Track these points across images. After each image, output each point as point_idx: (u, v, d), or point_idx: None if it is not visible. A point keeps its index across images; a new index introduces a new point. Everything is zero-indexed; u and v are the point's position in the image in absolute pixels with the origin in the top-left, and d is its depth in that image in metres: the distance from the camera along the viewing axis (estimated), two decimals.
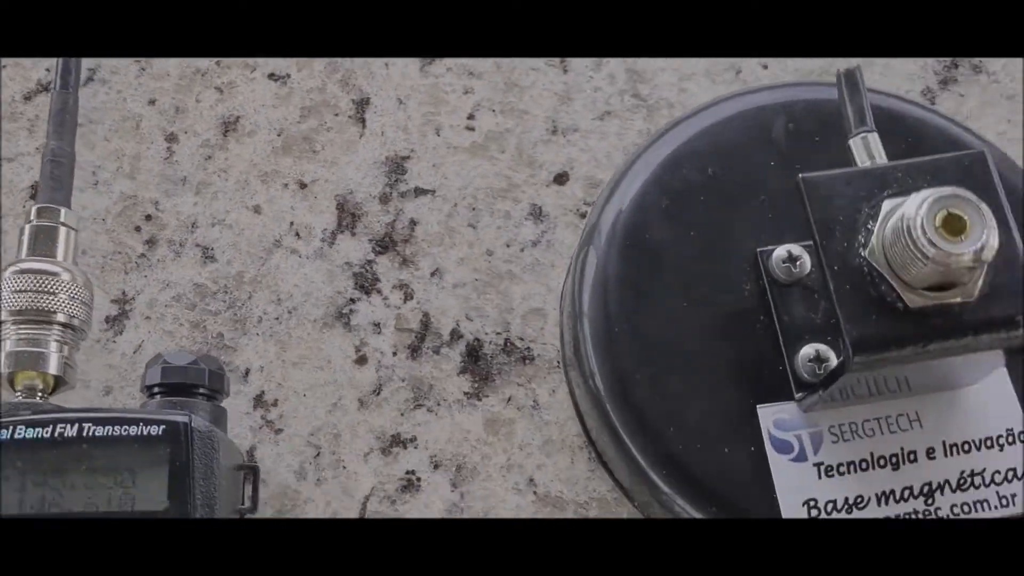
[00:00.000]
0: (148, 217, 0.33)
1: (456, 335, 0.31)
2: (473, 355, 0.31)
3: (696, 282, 0.29)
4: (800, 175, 0.24)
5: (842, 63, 0.28)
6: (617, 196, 0.30)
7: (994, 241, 0.22)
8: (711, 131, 0.30)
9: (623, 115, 0.34)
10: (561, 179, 0.33)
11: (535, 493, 0.30)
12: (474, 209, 0.33)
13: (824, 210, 0.24)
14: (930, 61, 0.35)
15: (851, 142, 0.27)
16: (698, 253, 0.29)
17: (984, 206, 0.22)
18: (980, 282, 0.23)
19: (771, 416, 0.27)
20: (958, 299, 0.23)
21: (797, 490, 0.27)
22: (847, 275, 0.24)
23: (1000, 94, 0.34)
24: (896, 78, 0.34)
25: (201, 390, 0.27)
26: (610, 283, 0.29)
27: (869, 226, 0.24)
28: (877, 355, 0.23)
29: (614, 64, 0.34)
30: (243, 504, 0.27)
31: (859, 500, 0.27)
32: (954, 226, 0.22)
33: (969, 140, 0.30)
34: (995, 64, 0.35)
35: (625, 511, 0.29)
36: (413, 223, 0.33)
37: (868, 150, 0.26)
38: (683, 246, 0.29)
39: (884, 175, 0.24)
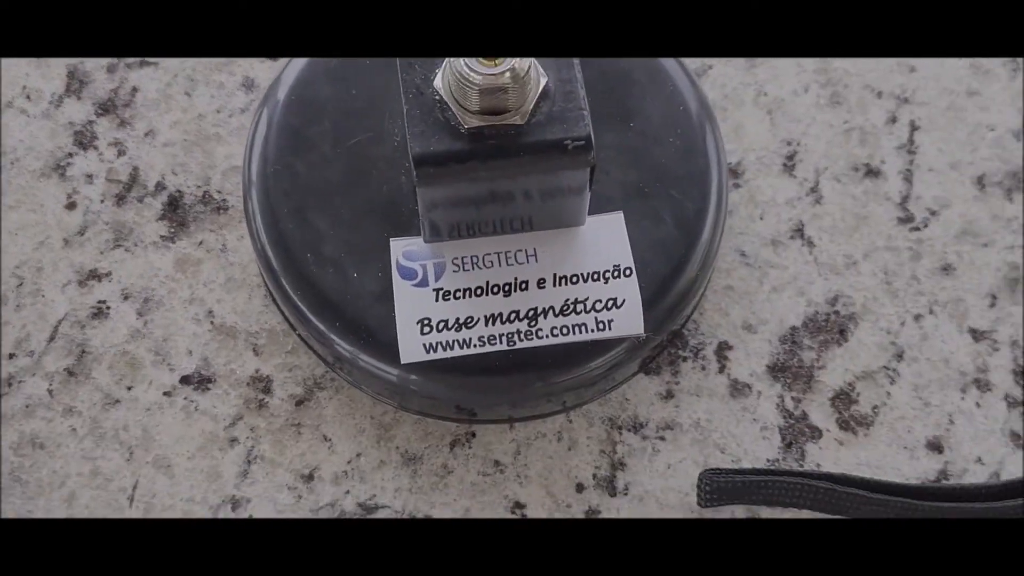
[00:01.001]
0: None
1: (160, 187, 0.35)
2: (173, 204, 0.35)
3: (352, 133, 0.32)
4: None
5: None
6: (295, 61, 0.33)
7: (522, 64, 0.26)
8: None
9: None
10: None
11: (212, 323, 0.33)
12: (192, 80, 0.36)
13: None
14: None
15: None
16: (358, 108, 0.32)
17: None
18: (532, 108, 0.27)
19: (401, 248, 0.31)
20: (514, 121, 0.27)
21: (415, 310, 0.30)
22: (419, 103, 0.27)
23: None
24: None
25: None
26: (273, 131, 0.32)
27: (441, 61, 0.27)
28: (438, 168, 0.27)
29: None
30: None
31: (469, 320, 0.30)
32: None
33: None
34: None
35: (291, 341, 0.33)
36: (135, 90, 0.36)
37: None
38: (344, 102, 0.32)
39: None
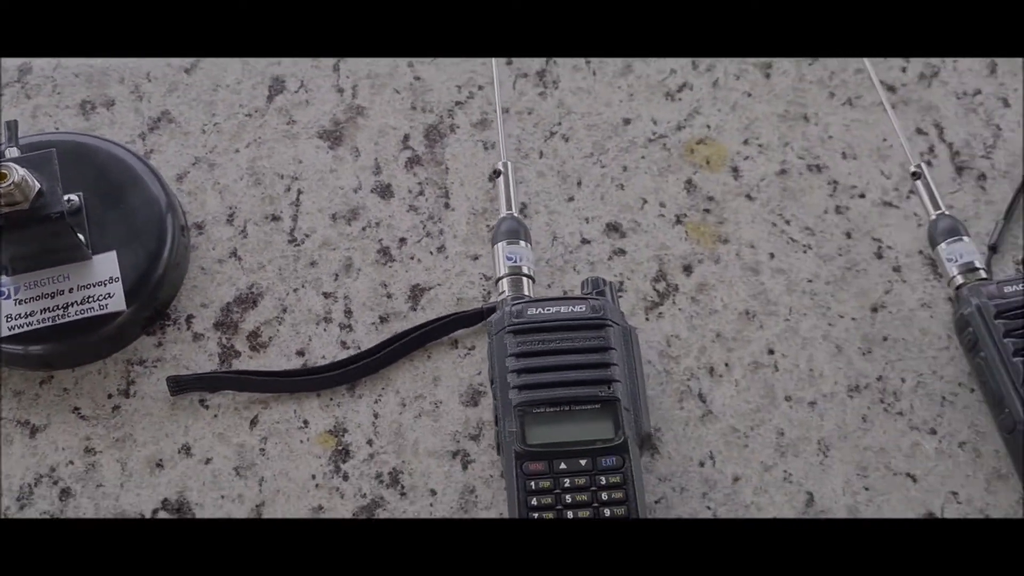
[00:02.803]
0: None
1: None
2: None
3: None
4: None
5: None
6: None
7: (21, 178, 0.54)
8: None
9: None
10: None
11: None
12: None
13: None
14: None
15: None
16: None
17: (12, 165, 0.54)
18: (33, 198, 0.55)
19: None
20: (23, 208, 0.55)
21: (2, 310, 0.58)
22: None
23: None
24: None
25: None
26: None
27: None
28: None
29: None
30: None
31: (30, 313, 0.58)
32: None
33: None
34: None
35: None
36: None
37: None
38: None
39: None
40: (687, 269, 0.65)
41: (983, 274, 0.62)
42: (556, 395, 0.55)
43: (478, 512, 0.57)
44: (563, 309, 0.58)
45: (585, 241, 0.66)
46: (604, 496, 0.53)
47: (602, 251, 0.65)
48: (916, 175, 0.66)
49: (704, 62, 0.73)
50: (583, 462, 0.54)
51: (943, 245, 0.63)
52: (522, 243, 0.61)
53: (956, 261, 0.62)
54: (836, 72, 0.73)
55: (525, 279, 0.61)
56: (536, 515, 0.53)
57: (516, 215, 0.63)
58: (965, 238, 0.63)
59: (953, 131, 0.71)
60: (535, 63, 0.72)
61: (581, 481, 0.54)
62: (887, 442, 0.60)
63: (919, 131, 0.71)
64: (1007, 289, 0.60)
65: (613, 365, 0.56)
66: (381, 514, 0.57)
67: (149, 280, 0.60)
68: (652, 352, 0.62)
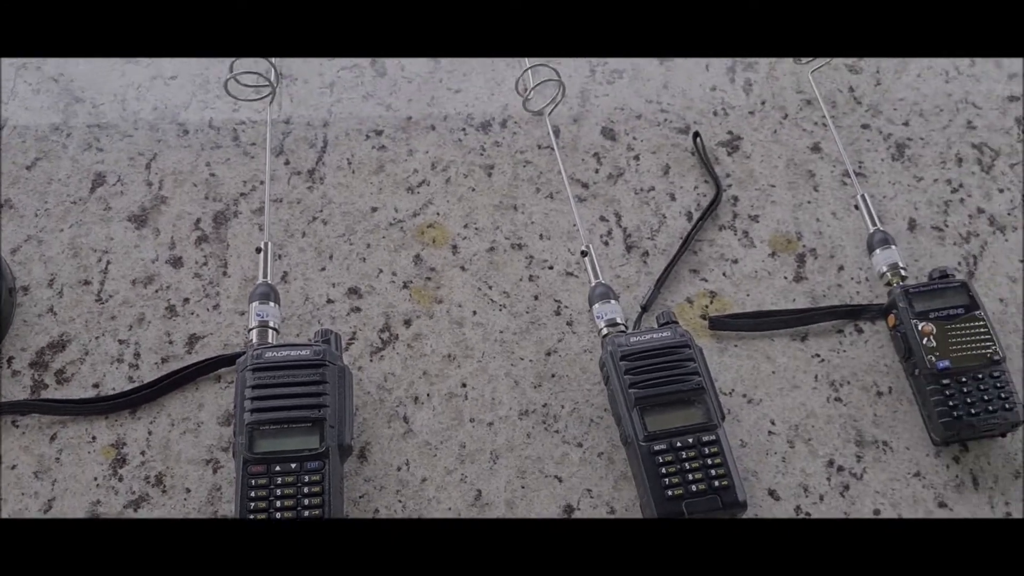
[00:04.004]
0: None
1: None
2: None
3: None
4: None
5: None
6: None
7: None
8: None
9: None
10: None
11: None
12: None
13: None
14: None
15: None
16: None
17: None
18: None
19: None
20: None
21: None
22: None
23: None
24: None
25: None
26: None
27: None
28: None
29: None
30: None
31: None
32: None
33: None
34: None
35: None
36: None
37: None
38: None
39: None
40: (407, 323, 0.85)
41: (623, 327, 0.82)
42: (278, 416, 0.74)
43: (221, 504, 0.75)
44: (292, 353, 0.77)
45: (330, 301, 0.85)
46: (306, 490, 0.72)
47: (343, 309, 0.85)
48: (584, 253, 0.87)
49: (441, 163, 0.94)
50: (293, 466, 0.73)
51: (596, 306, 0.84)
52: (271, 304, 0.81)
53: (603, 318, 0.83)
54: (544, 172, 0.94)
55: (270, 330, 0.80)
56: (253, 505, 0.71)
57: (269, 282, 0.82)
58: (613, 301, 0.84)
59: (628, 218, 0.92)
60: (308, 162, 0.93)
61: (290, 479, 0.72)
62: (544, 453, 0.80)
63: (602, 218, 0.92)
64: (632, 339, 0.81)
65: (324, 395, 0.75)
66: (145, 507, 0.75)
67: None
68: (372, 385, 0.82)
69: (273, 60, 0.95)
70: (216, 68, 0.98)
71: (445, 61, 1.01)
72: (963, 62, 1.03)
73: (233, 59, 0.91)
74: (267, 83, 0.90)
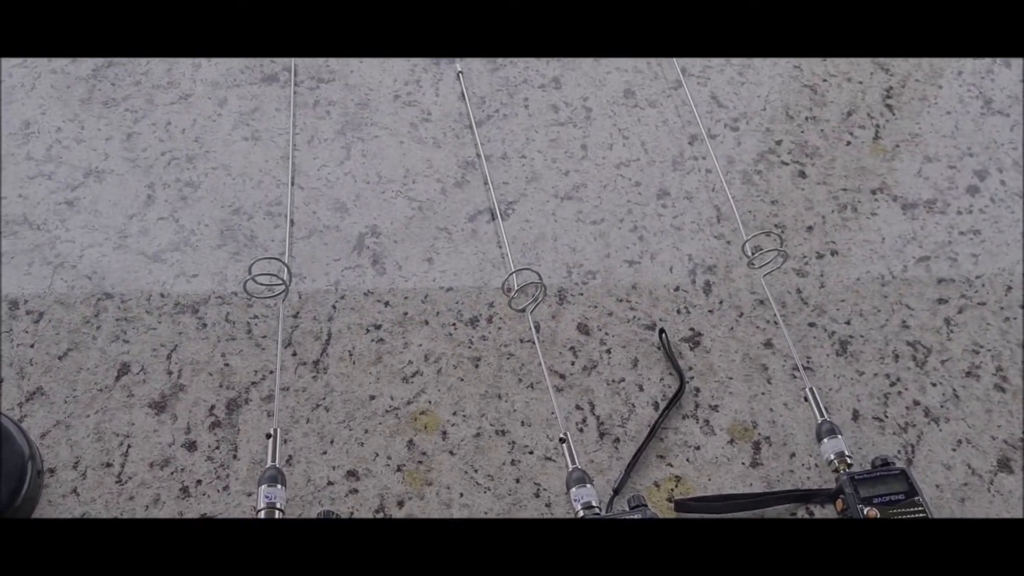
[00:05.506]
0: None
1: None
2: None
3: None
4: None
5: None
6: None
7: None
8: None
9: None
10: None
11: None
12: None
13: None
14: None
15: None
16: None
17: None
18: None
19: None
20: None
21: None
22: None
23: None
24: None
25: None
26: None
27: None
28: None
29: None
30: None
31: None
32: None
33: None
34: None
35: None
36: None
37: None
38: None
39: None
40: (400, 504, 0.93)
41: (597, 510, 0.91)
42: None
43: None
44: None
45: (330, 483, 0.93)
46: None
47: (341, 490, 0.93)
48: (562, 440, 0.96)
49: (433, 355, 1.04)
50: None
51: (574, 490, 0.92)
52: (279, 486, 0.89)
53: (580, 501, 0.91)
54: (525, 364, 1.05)
55: (277, 511, 0.87)
56: None
57: (277, 466, 0.91)
58: (588, 485, 0.92)
59: (601, 407, 1.02)
60: (313, 354, 1.03)
61: None
62: None
63: (578, 407, 1.02)
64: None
65: None
66: None
67: (7, 510, 0.85)
68: None
69: (286, 260, 1.07)
70: (233, 267, 1.10)
71: (438, 261, 1.14)
72: (897, 267, 1.17)
73: (252, 261, 1.02)
74: (280, 282, 1.01)
